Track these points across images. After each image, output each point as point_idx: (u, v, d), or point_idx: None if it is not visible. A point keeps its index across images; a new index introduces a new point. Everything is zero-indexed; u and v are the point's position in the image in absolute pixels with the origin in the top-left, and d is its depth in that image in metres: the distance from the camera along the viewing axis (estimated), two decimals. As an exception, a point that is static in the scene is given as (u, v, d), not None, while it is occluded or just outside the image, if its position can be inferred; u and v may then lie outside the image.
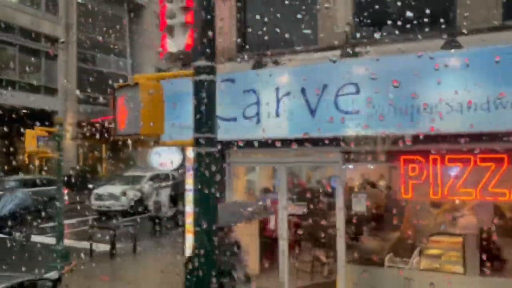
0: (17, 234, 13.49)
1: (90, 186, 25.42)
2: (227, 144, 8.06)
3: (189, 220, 8.48)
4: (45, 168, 27.94)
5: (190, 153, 8.65)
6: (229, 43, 8.44)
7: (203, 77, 3.80)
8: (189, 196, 8.51)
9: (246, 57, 8.13)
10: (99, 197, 20.00)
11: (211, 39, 3.81)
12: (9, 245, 12.77)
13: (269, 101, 7.49)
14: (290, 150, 7.61)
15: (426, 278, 7.30)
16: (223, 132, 7.94)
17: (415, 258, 7.52)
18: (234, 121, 7.80)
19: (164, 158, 8.94)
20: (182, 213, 17.18)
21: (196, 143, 3.78)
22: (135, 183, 20.97)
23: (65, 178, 23.02)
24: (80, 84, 29.52)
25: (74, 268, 8.13)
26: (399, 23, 6.68)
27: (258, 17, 8.02)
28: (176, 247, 13.62)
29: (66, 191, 21.94)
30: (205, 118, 3.81)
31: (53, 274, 6.27)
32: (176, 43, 8.40)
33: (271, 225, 8.35)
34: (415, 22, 6.56)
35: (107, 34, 31.67)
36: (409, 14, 6.48)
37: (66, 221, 18.79)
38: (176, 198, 16.71)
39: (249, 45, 8.56)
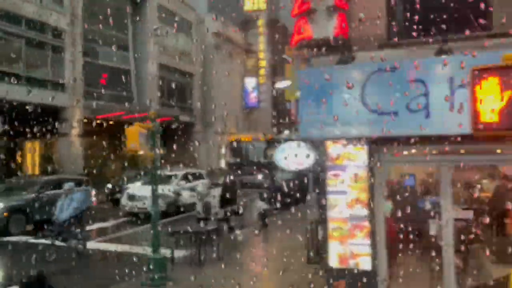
0: (74, 242, 12.23)
1: (109, 185, 24.02)
2: (381, 141, 7.32)
3: (333, 225, 7.60)
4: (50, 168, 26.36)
5: (332, 151, 7.78)
6: (384, 28, 7.57)
7: None
8: (332, 200, 7.63)
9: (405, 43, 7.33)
10: (132, 198, 18.76)
11: None
12: (73, 254, 11.62)
13: (441, 93, 6.70)
14: (459, 147, 6.88)
15: None
16: (377, 127, 7.21)
17: None
18: (394, 115, 7.00)
19: (292, 157, 8.03)
20: (236, 214, 16.30)
21: None
22: (166, 182, 19.87)
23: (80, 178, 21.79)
24: (86, 79, 28.06)
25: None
26: None
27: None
28: (257, 251, 12.75)
29: (94, 193, 20.71)
30: None
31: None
32: (319, 29, 7.49)
33: (432, 230, 7.55)
34: None
35: (111, 27, 30.15)
36: None
37: (103, 224, 17.56)
38: (231, 198, 15.80)
39: (406, 30, 7.69)
